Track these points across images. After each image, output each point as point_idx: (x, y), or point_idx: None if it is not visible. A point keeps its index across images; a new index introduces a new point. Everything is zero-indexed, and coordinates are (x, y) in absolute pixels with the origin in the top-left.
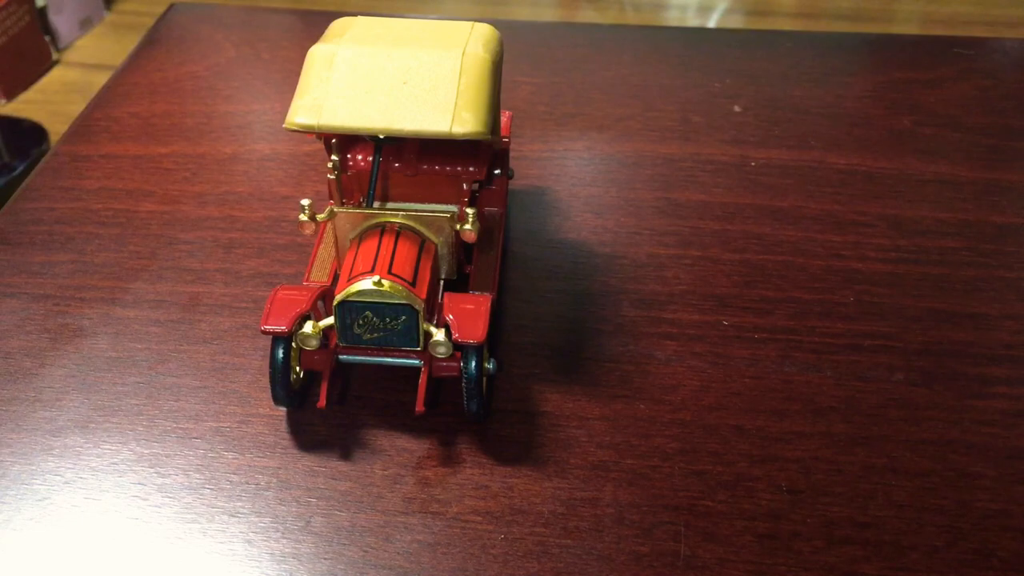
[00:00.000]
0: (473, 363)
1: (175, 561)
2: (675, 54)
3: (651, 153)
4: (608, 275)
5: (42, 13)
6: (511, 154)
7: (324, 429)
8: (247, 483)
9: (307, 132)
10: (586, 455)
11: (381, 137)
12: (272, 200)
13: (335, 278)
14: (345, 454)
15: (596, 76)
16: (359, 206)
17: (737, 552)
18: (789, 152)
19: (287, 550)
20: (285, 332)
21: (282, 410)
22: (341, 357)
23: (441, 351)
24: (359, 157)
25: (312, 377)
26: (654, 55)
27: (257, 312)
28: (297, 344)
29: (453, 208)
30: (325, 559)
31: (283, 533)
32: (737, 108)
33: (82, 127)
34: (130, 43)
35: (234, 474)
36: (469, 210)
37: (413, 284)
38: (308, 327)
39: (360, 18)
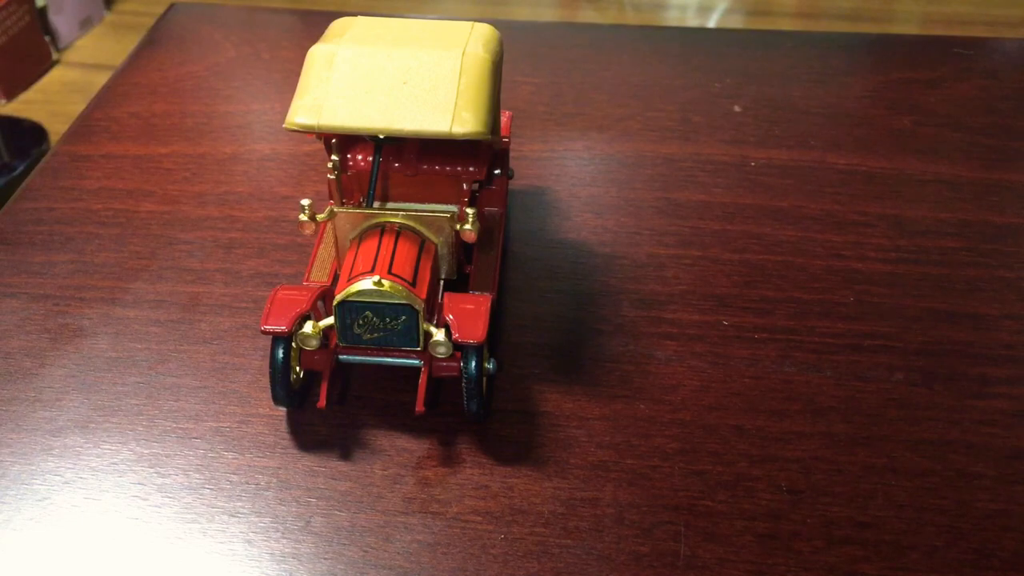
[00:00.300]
0: (473, 363)
1: (175, 561)
2: (675, 54)
3: (651, 153)
4: (608, 275)
5: (42, 13)
6: (511, 154)
7: (324, 429)
8: (247, 483)
9: (307, 132)
10: (586, 455)
11: (381, 137)
12: (272, 200)
13: (335, 278)
14: (345, 454)
15: (596, 76)
16: (359, 206)
17: (737, 552)
18: (789, 152)
19: (287, 550)
20: (285, 332)
21: (282, 410)
22: (341, 357)
23: (441, 351)
24: (359, 157)
25: (312, 377)
26: (654, 55)
27: (257, 312)
28: (297, 344)
29: (453, 208)
30: (325, 559)
31: (283, 533)
32: (737, 108)
33: (82, 127)
34: (130, 43)
35: (234, 474)
36: (469, 210)
37: (413, 284)
38: (308, 327)
39: (360, 18)
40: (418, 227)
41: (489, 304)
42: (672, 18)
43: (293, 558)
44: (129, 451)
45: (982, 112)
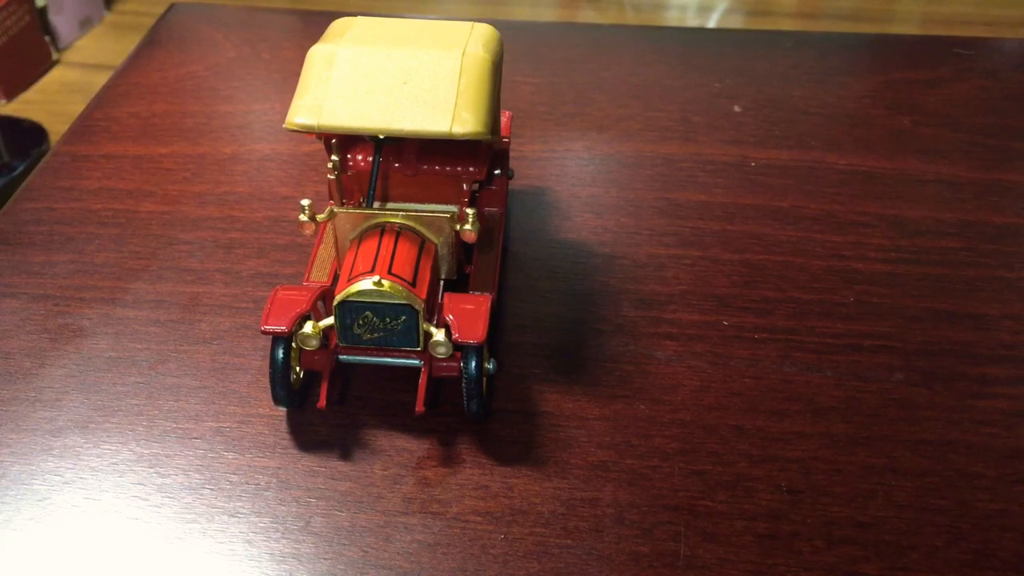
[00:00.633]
0: (473, 363)
1: (175, 561)
2: (675, 54)
3: (651, 153)
4: (608, 275)
5: (42, 13)
6: (511, 154)
7: (324, 429)
8: (247, 483)
9: (307, 132)
10: (586, 455)
11: (381, 137)
12: (272, 200)
13: (335, 278)
14: (345, 454)
15: (596, 76)
16: (359, 206)
17: (737, 552)
18: (789, 152)
19: (287, 550)
20: (285, 332)
21: (282, 410)
22: (341, 357)
23: (441, 351)
24: (359, 157)
25: (312, 377)
26: (654, 55)
27: (257, 312)
28: (297, 344)
29: (453, 208)
30: (325, 559)
31: (283, 533)
32: (737, 108)
33: (82, 127)
34: (130, 43)
35: (234, 474)
36: (469, 210)
37: (413, 284)
38: (308, 327)
39: (360, 18)
40: (418, 227)
41: (489, 304)
42: (672, 18)
43: (293, 558)
44: (129, 451)
45: (982, 112)
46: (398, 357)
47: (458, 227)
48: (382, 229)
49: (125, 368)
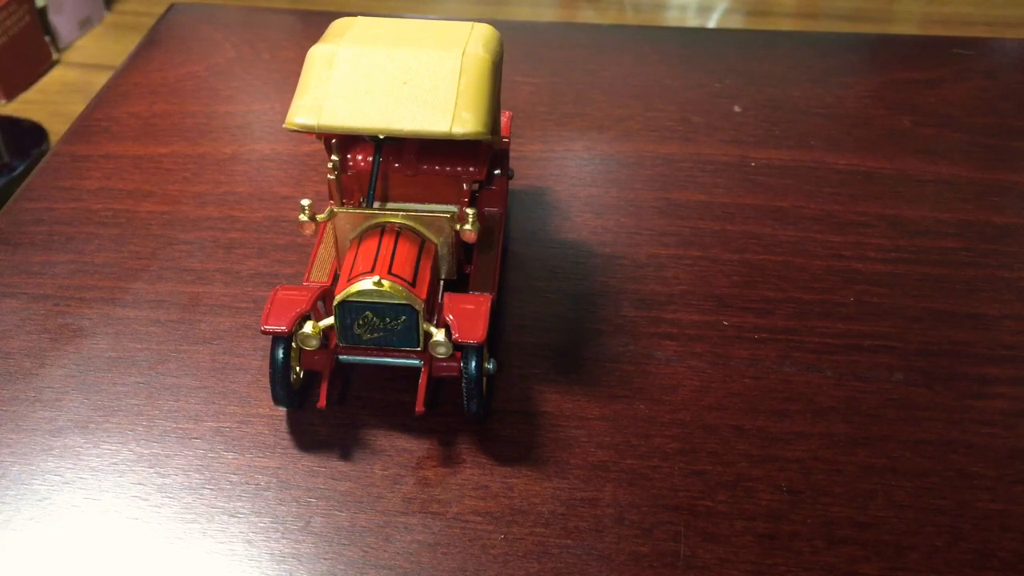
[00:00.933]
0: (473, 363)
1: (175, 561)
2: (675, 54)
3: (651, 153)
4: (608, 275)
5: (42, 13)
6: (511, 154)
7: (324, 429)
8: (247, 483)
9: (307, 132)
10: (586, 455)
11: (381, 137)
12: (272, 200)
13: (335, 278)
14: (345, 454)
15: (596, 76)
16: (359, 206)
17: (737, 552)
18: (789, 152)
19: (287, 550)
20: (285, 332)
21: (282, 410)
22: (341, 357)
23: (441, 351)
24: (359, 157)
25: (312, 377)
26: (654, 55)
27: (257, 312)
28: (297, 344)
29: (453, 208)
30: (325, 559)
31: (283, 533)
32: (737, 108)
33: (82, 127)
34: (130, 43)
35: (234, 474)
36: (469, 210)
37: (413, 284)
38: (308, 327)
39: (360, 18)
40: (418, 227)
41: (489, 304)
42: (672, 18)
43: (293, 558)
44: (129, 451)
45: (982, 112)
46: (398, 357)
47: (458, 227)
48: (382, 229)
49: (125, 368)
